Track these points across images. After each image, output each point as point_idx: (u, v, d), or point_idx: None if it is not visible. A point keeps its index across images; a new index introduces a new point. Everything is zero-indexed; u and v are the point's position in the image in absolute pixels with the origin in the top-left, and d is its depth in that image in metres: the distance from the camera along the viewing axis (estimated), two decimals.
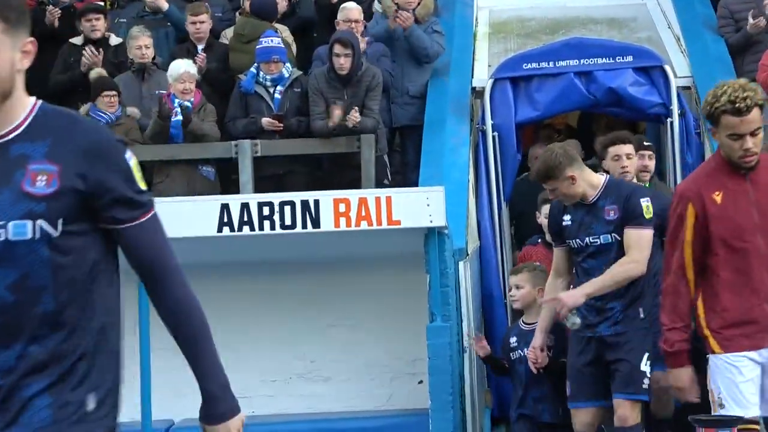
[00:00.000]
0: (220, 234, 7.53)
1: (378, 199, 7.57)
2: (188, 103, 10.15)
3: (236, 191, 9.90)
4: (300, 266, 8.36)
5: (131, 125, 10.39)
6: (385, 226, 7.54)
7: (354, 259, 8.28)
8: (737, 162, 5.52)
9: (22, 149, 3.10)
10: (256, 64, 10.33)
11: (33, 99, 3.18)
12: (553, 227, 7.26)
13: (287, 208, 7.55)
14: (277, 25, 11.23)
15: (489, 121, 10.02)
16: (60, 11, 11.67)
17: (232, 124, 10.35)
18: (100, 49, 11.03)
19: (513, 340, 7.79)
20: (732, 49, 11.05)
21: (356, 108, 9.97)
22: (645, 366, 6.96)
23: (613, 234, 6.95)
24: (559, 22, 11.86)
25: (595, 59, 10.13)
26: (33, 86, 11.47)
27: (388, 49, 10.90)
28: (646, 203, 6.96)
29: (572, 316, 6.89)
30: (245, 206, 7.57)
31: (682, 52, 11.03)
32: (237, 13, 11.88)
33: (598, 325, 6.98)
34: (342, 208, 7.55)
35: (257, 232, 7.54)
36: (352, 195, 7.69)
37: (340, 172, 10.24)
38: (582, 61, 10.13)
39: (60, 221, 3.08)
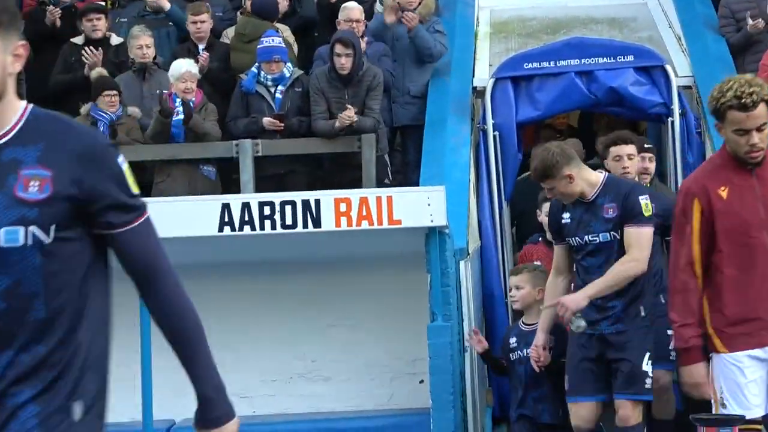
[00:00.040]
0: (221, 234, 7.53)
1: (379, 199, 7.57)
2: (191, 99, 10.16)
3: (237, 191, 9.90)
4: (300, 266, 8.36)
5: (132, 125, 10.39)
6: (386, 225, 7.54)
7: (355, 258, 8.28)
8: (743, 157, 5.47)
9: (13, 154, 3.05)
10: (257, 64, 10.33)
11: (24, 103, 3.13)
12: (553, 225, 7.26)
13: (288, 208, 7.55)
14: (278, 25, 11.24)
15: (490, 121, 10.01)
16: (61, 11, 11.67)
17: (233, 124, 10.35)
18: (101, 49, 11.03)
19: (513, 340, 7.76)
20: (733, 49, 11.05)
21: (349, 107, 9.96)
22: (647, 366, 6.95)
23: (612, 232, 6.94)
24: (560, 21, 11.86)
25: (596, 59, 10.13)
26: (34, 86, 11.48)
27: (389, 49, 10.90)
28: (644, 201, 6.93)
29: (577, 320, 6.87)
30: (246, 206, 7.57)
31: (682, 52, 11.02)
32: (238, 13, 11.89)
33: (599, 322, 6.96)
34: (343, 207, 7.55)
35: (258, 231, 7.54)
36: (353, 195, 7.69)
37: (341, 172, 10.24)
38: (583, 60, 10.13)
39: (53, 228, 3.04)
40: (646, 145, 8.42)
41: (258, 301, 8.47)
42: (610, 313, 6.95)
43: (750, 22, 10.85)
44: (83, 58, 10.91)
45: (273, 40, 10.37)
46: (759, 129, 5.40)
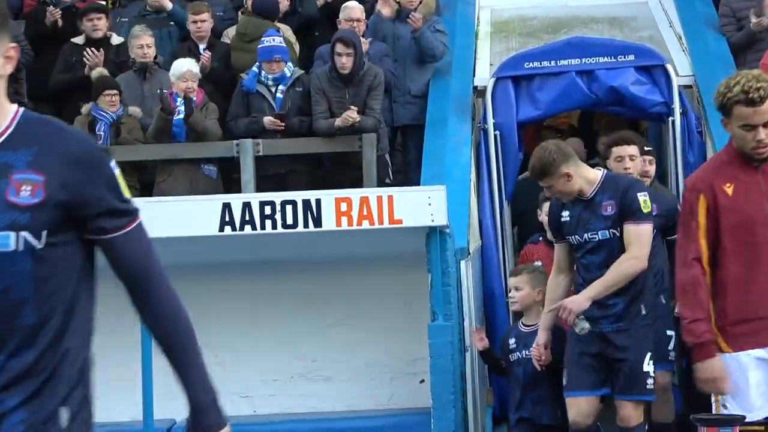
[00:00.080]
0: (221, 233, 7.53)
1: (380, 199, 7.56)
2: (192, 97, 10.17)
3: (238, 190, 9.90)
4: (301, 266, 8.36)
5: (133, 124, 10.39)
6: (386, 225, 7.53)
7: (355, 258, 8.28)
8: (749, 153, 5.42)
9: (4, 158, 3.01)
10: (258, 64, 10.33)
11: (15, 106, 3.09)
12: (553, 224, 7.24)
13: (289, 208, 7.54)
14: (279, 24, 11.24)
15: (491, 120, 10.01)
16: (60, 11, 11.66)
17: (234, 123, 10.36)
18: (102, 50, 11.03)
19: (512, 341, 7.72)
20: (734, 48, 11.05)
21: (352, 108, 9.97)
22: (648, 366, 6.92)
23: (611, 230, 6.90)
24: (560, 21, 11.86)
25: (597, 58, 10.13)
26: (34, 86, 11.47)
27: (390, 49, 10.90)
28: (643, 197, 6.89)
29: (580, 322, 6.84)
30: (247, 205, 7.56)
31: (683, 51, 11.02)
32: (239, 12, 11.89)
33: (599, 321, 6.93)
34: (344, 207, 7.54)
35: (259, 231, 7.54)
36: (354, 194, 7.68)
37: (342, 172, 10.24)
38: (583, 60, 10.13)
39: (44, 233, 3.00)
40: (646, 148, 8.42)
41: (258, 301, 8.47)
42: (611, 312, 6.92)
43: (753, 19, 10.84)
44: (85, 59, 10.91)
45: (274, 40, 10.37)
46: (766, 125, 5.34)
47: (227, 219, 7.53)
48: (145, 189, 10.12)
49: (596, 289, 6.83)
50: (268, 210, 7.55)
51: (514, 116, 10.07)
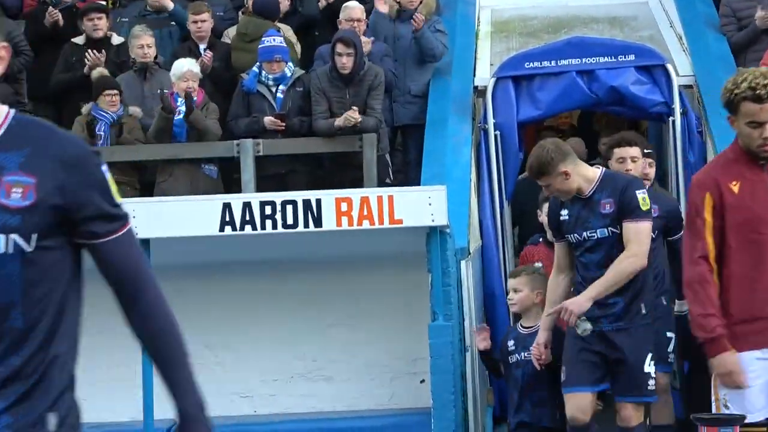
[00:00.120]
0: (222, 233, 7.53)
1: (380, 198, 7.56)
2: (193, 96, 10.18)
3: (238, 190, 9.90)
4: (301, 266, 8.36)
5: (133, 124, 10.39)
6: (387, 225, 7.53)
7: (356, 258, 8.28)
8: (755, 151, 5.41)
9: None
10: (258, 64, 10.33)
11: (6, 108, 3.05)
12: (552, 222, 7.23)
13: (289, 208, 7.55)
14: (280, 24, 11.24)
15: (491, 120, 10.01)
16: (60, 12, 11.66)
17: (235, 123, 10.36)
18: (103, 51, 11.03)
19: (511, 343, 7.66)
20: (734, 48, 11.04)
21: (354, 108, 9.97)
22: (649, 367, 6.89)
23: (610, 228, 6.88)
24: (561, 20, 11.86)
25: (597, 58, 10.13)
26: (35, 86, 11.47)
27: (390, 49, 10.90)
28: (642, 195, 6.86)
29: (582, 323, 6.82)
30: (247, 205, 7.56)
31: (684, 51, 11.02)
32: (240, 12, 11.89)
33: (599, 319, 6.91)
34: (344, 207, 7.54)
35: (259, 231, 7.54)
36: (354, 194, 7.68)
37: (342, 172, 10.24)
38: (584, 60, 10.13)
39: (34, 236, 2.95)
40: (646, 150, 8.42)
41: (258, 301, 8.47)
42: (611, 311, 6.90)
43: (760, 13, 10.79)
44: (86, 60, 10.91)
45: (274, 40, 10.37)
46: None
47: (227, 219, 7.53)
48: (146, 189, 10.13)
49: (597, 289, 6.81)
50: (268, 210, 7.55)
51: (515, 116, 10.07)
